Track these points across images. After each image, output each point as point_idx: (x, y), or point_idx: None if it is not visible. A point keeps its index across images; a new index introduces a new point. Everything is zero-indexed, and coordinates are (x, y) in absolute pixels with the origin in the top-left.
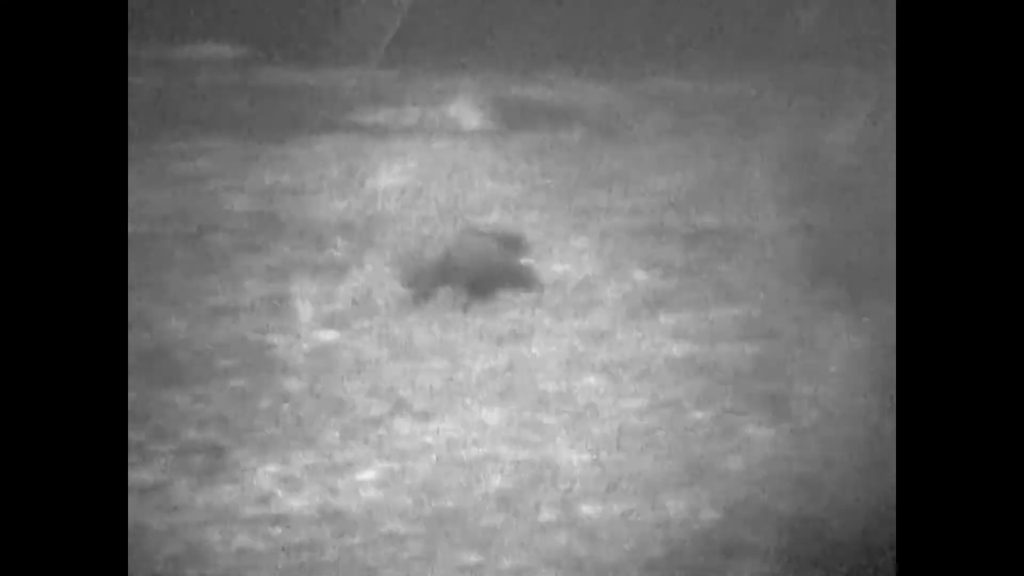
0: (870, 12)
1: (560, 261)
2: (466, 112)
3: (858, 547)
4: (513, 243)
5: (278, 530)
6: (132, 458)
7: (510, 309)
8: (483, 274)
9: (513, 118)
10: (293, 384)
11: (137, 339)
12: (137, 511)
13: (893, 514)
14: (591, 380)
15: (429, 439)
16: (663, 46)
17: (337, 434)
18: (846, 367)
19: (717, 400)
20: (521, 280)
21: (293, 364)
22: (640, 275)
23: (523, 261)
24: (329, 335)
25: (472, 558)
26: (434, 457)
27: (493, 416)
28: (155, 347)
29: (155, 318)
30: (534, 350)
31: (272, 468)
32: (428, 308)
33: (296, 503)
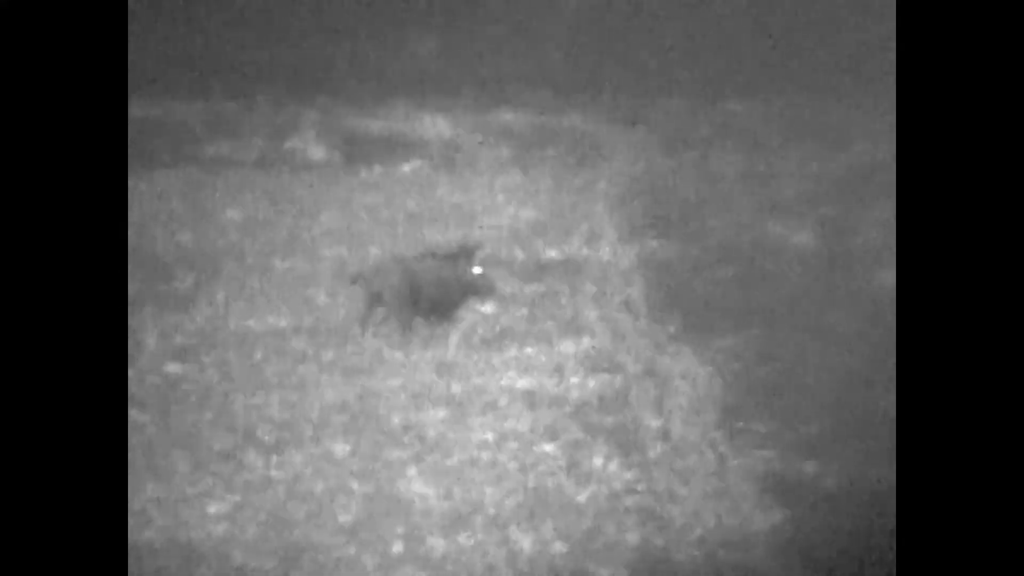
0: (708, 44)
1: None
2: (310, 145)
3: None
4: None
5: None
6: None
7: (355, 342)
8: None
9: (356, 151)
10: (140, 416)
11: None
12: None
13: (740, 543)
14: (438, 413)
15: (276, 472)
16: (504, 80)
17: (186, 467)
18: (692, 400)
19: (564, 433)
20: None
21: (139, 396)
22: (486, 308)
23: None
24: (175, 367)
25: None
26: (282, 490)
27: (341, 449)
28: None
29: None
30: (382, 383)
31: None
32: (271, 341)
33: (146, 535)
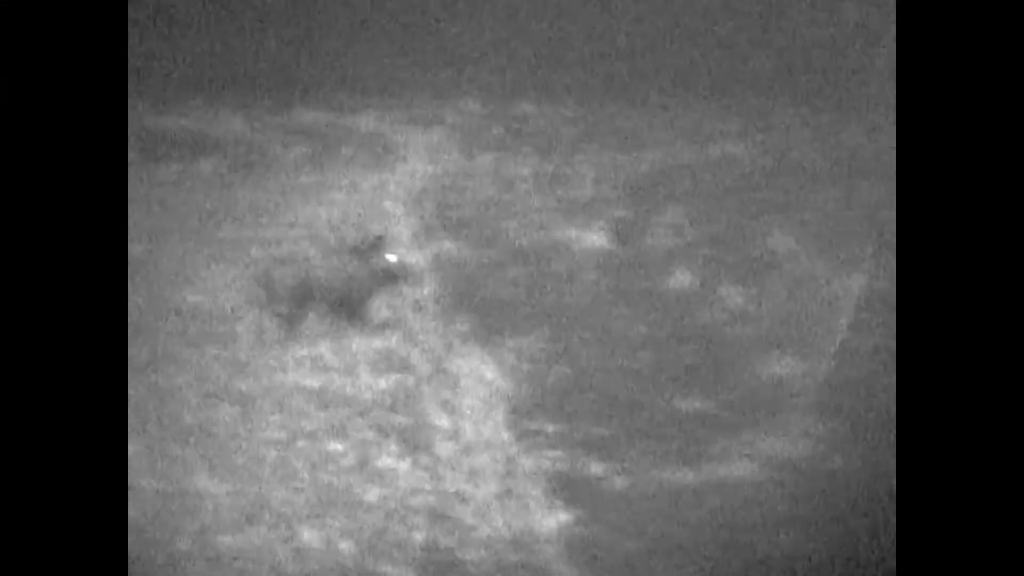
0: (505, 45)
1: (197, 292)
2: None
3: None
4: None
5: None
6: None
7: (141, 337)
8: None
9: (150, 148)
10: None
11: None
12: None
13: (528, 543)
14: (229, 410)
15: None
16: (300, 80)
17: None
18: (482, 400)
19: (354, 432)
20: None
21: None
22: (279, 307)
23: None
24: None
25: None
26: None
27: (131, 446)
28: None
29: None
30: (173, 380)
31: None
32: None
33: None
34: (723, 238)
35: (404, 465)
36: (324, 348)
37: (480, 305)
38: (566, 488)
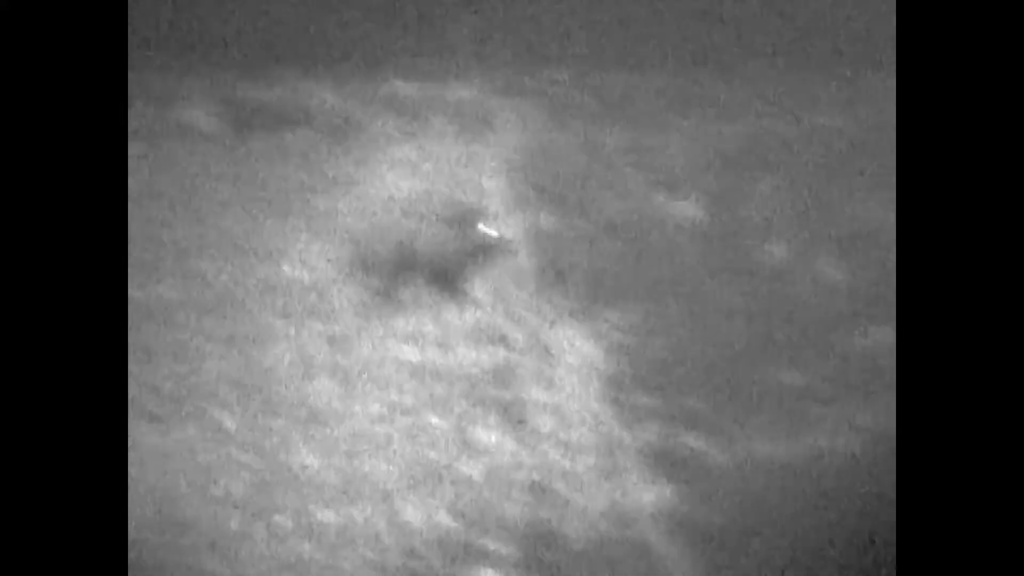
0: (595, 15)
1: (292, 266)
2: (195, 113)
3: (594, 555)
4: None
5: None
6: None
7: (244, 312)
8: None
9: (242, 119)
10: None
11: None
12: None
13: (628, 520)
14: (326, 384)
15: (166, 441)
16: (392, 49)
17: None
18: (580, 374)
19: (452, 406)
20: None
21: None
22: (374, 280)
23: None
24: None
25: (209, 564)
26: (167, 463)
27: (229, 420)
28: None
29: None
30: (269, 353)
31: None
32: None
33: None
34: (818, 210)
35: (503, 439)
36: (421, 321)
37: (576, 278)
38: (664, 462)
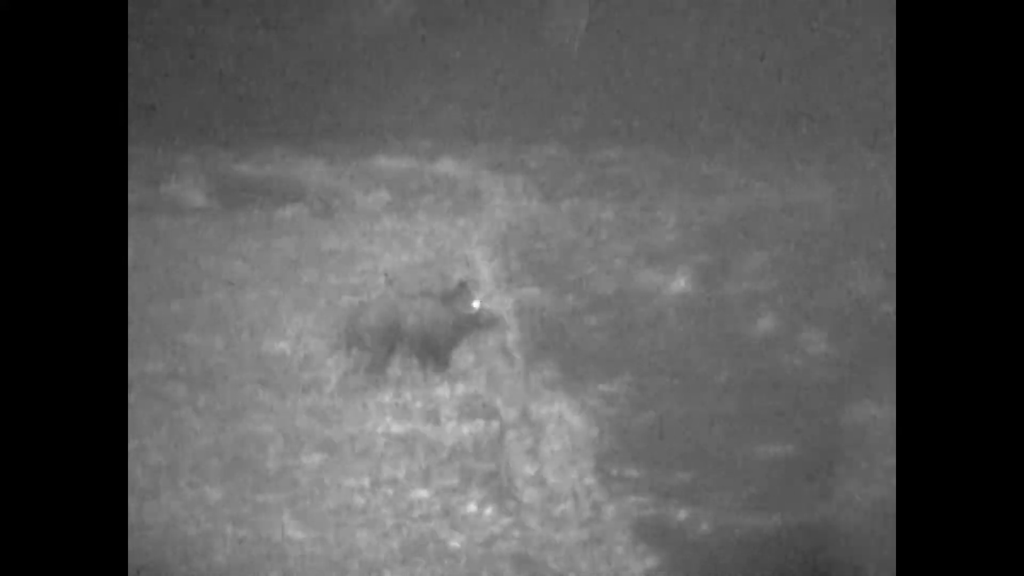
0: (585, 92)
1: (281, 339)
2: (186, 189)
3: None
4: None
5: None
6: None
7: (228, 386)
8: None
9: (232, 195)
10: None
11: None
12: None
13: None
14: (314, 458)
15: (148, 516)
16: (380, 126)
17: None
18: (567, 446)
19: (438, 478)
20: None
21: None
22: (363, 354)
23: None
24: None
25: None
26: (155, 535)
27: (215, 493)
28: None
29: None
30: (258, 427)
31: None
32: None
33: None
34: (805, 283)
35: (489, 511)
36: (409, 394)
37: (564, 351)
38: (652, 534)
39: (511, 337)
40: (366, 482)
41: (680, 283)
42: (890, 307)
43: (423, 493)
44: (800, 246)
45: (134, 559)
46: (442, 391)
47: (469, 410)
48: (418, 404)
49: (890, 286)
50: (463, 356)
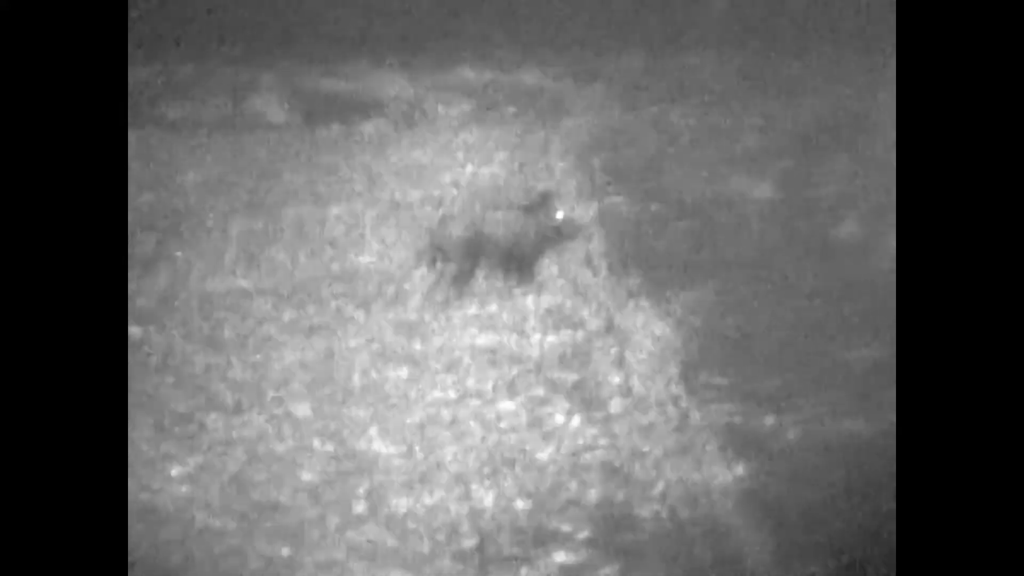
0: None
1: (366, 253)
2: (270, 106)
3: (672, 537)
4: None
5: None
6: None
7: (318, 301)
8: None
9: (314, 110)
10: None
11: None
12: None
13: (705, 501)
14: (399, 371)
15: (236, 432)
16: (460, 36)
17: (147, 431)
18: (652, 355)
19: (524, 390)
20: None
21: None
22: (448, 266)
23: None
24: (136, 330)
25: (284, 551)
26: (243, 451)
27: (302, 409)
28: None
29: None
30: (343, 342)
31: None
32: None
33: None
34: (890, 187)
35: (577, 422)
36: (494, 306)
37: (649, 260)
38: (740, 441)
39: (595, 247)
40: (452, 395)
41: (765, 188)
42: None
43: (510, 405)
44: (884, 150)
45: (221, 477)
46: (527, 302)
47: (554, 321)
48: (503, 316)
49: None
50: (547, 267)
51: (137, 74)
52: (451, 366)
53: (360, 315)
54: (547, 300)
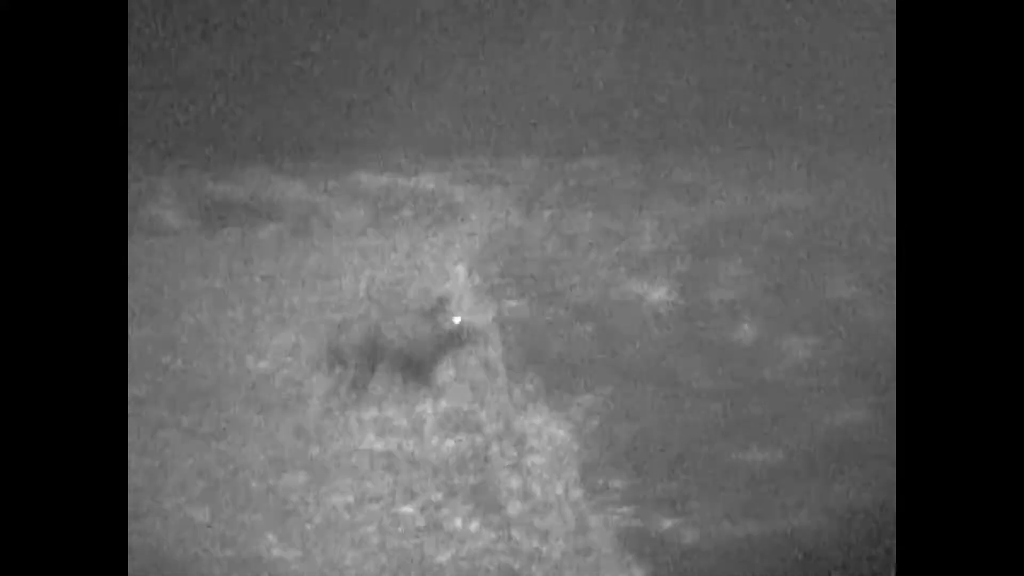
0: (561, 102)
1: (263, 359)
2: (165, 211)
3: None
4: None
5: None
6: None
7: (211, 407)
8: None
9: (211, 216)
10: None
11: None
12: None
13: None
14: (298, 476)
15: (134, 539)
16: (359, 141)
17: None
18: (550, 459)
19: (422, 493)
20: None
21: None
22: (345, 371)
23: None
24: None
25: None
26: (142, 558)
27: (201, 514)
28: None
29: None
30: (242, 447)
31: None
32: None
33: None
34: (786, 289)
35: (475, 526)
36: (392, 411)
37: (547, 363)
38: (637, 544)
39: (493, 351)
40: (351, 499)
41: (661, 292)
42: (870, 312)
43: (408, 509)
44: (779, 252)
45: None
46: (425, 406)
47: (452, 425)
48: (401, 420)
49: (869, 291)
50: (445, 371)
51: None
52: (349, 470)
53: (258, 420)
54: (445, 404)
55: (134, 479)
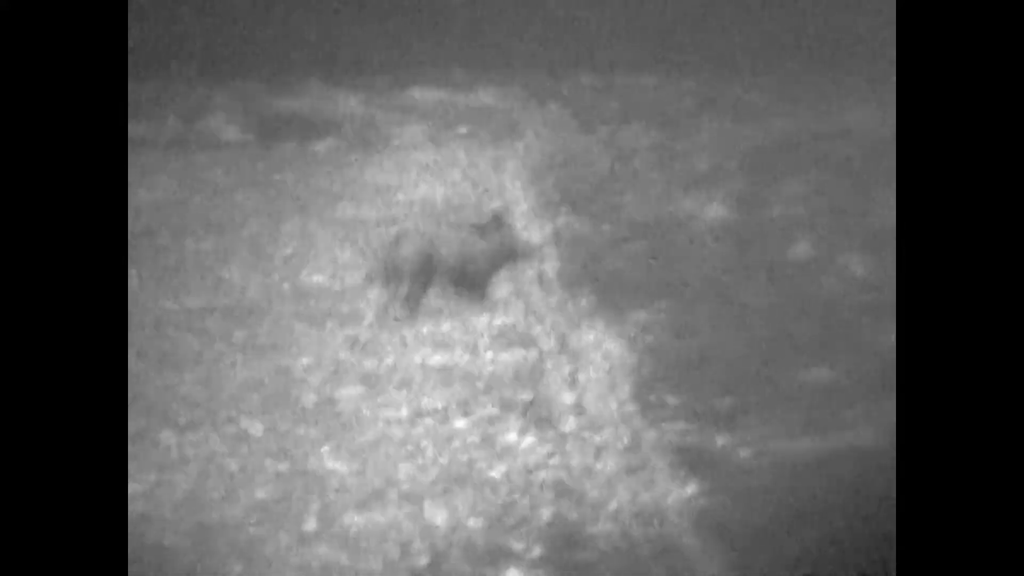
0: (620, 19)
1: (319, 272)
2: (223, 124)
3: (624, 555)
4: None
5: None
6: None
7: (271, 319)
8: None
9: (268, 130)
10: None
11: None
12: None
13: (654, 516)
14: (353, 390)
15: (190, 451)
16: (417, 56)
17: None
18: (604, 374)
19: (477, 408)
20: None
21: None
22: (402, 285)
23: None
24: None
25: (236, 568)
26: (195, 469)
27: (255, 427)
28: None
29: None
30: (296, 360)
31: None
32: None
33: None
34: (843, 208)
35: (529, 440)
36: (447, 325)
37: (602, 279)
38: (691, 460)
39: (548, 266)
40: (405, 413)
41: (717, 209)
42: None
43: (462, 423)
44: (837, 171)
45: (174, 494)
46: (480, 321)
47: (507, 340)
48: (456, 335)
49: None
50: (501, 286)
51: None
52: (404, 384)
53: (313, 333)
54: (500, 319)
55: (188, 392)
